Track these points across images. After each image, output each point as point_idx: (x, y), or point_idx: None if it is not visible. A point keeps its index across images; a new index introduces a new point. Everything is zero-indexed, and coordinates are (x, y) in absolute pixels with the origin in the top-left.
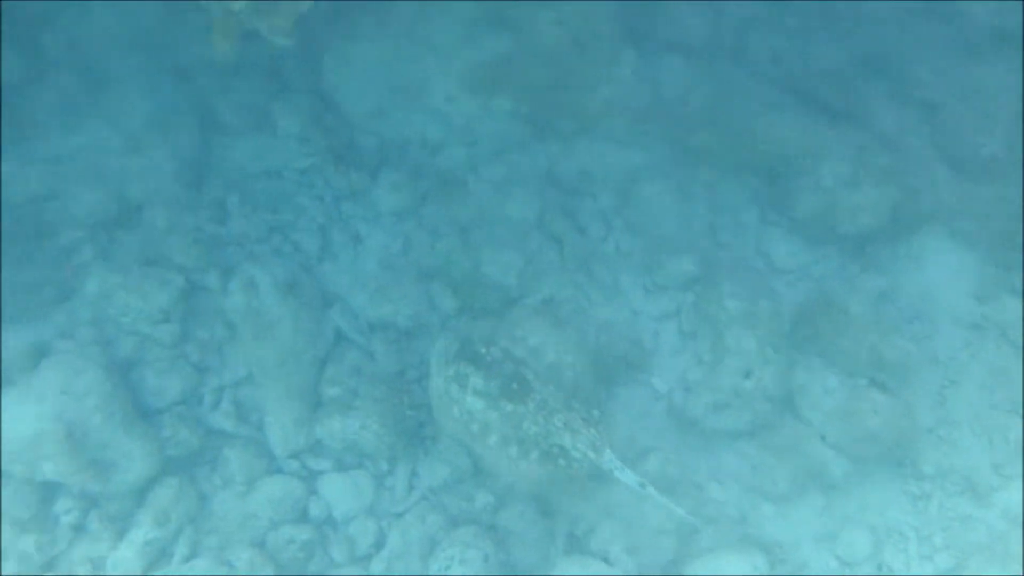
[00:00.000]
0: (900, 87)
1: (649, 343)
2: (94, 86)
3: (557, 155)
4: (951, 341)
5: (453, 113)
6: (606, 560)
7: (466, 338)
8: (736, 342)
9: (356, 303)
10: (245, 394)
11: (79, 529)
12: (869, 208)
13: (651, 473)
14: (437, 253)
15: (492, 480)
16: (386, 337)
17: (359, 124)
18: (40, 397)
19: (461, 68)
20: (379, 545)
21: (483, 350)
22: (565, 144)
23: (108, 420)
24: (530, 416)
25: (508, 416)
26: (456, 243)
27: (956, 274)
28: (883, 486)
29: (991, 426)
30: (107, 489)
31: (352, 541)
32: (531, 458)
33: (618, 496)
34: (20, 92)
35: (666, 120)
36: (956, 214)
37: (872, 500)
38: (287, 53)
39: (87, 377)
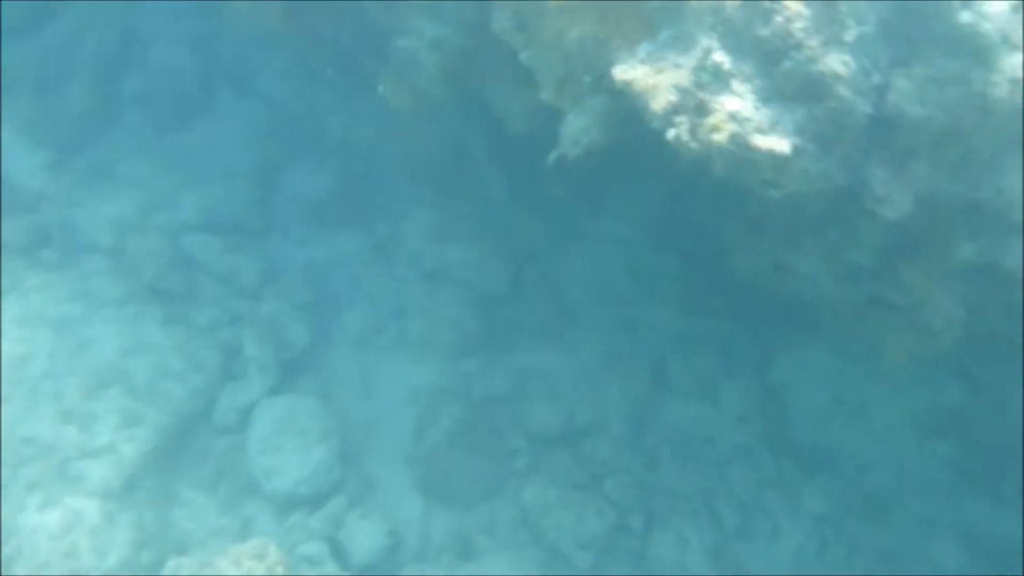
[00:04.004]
0: None
1: None
2: (561, 316)
3: (987, 514)
4: None
5: (890, 441)
6: None
7: None
8: None
9: None
10: None
11: None
12: None
13: None
14: (855, 569)
15: None
16: None
17: (798, 421)
18: None
19: (911, 405)
20: None
21: None
22: (999, 505)
23: None
24: None
25: None
26: (878, 567)
27: None
28: None
29: None
30: None
31: None
32: None
33: None
34: (503, 304)
35: None
36: None
37: None
38: (736, 335)
39: None
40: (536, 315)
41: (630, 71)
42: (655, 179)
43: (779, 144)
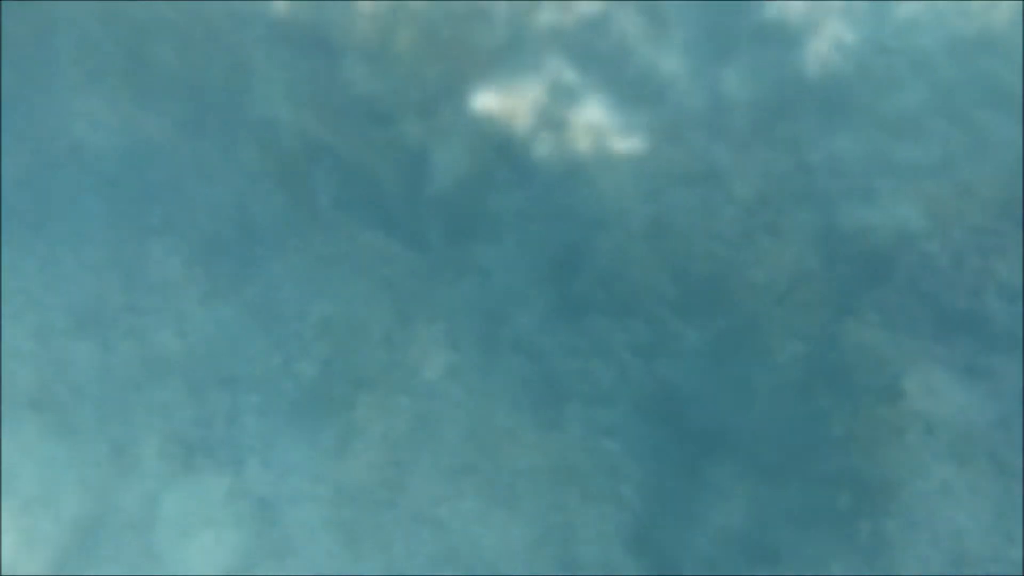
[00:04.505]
0: None
1: None
2: (452, 347)
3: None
4: None
5: (773, 408)
6: None
7: None
8: None
9: None
10: None
11: None
12: None
13: None
14: (768, 535)
15: None
16: None
17: (690, 408)
18: None
19: (786, 371)
20: None
21: None
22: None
23: None
24: None
25: None
26: (786, 529)
27: None
28: None
29: None
30: None
31: None
32: None
33: None
34: (395, 344)
35: None
36: None
37: None
38: (623, 337)
39: None
40: (428, 350)
41: (489, 100)
42: (528, 204)
43: (635, 144)
